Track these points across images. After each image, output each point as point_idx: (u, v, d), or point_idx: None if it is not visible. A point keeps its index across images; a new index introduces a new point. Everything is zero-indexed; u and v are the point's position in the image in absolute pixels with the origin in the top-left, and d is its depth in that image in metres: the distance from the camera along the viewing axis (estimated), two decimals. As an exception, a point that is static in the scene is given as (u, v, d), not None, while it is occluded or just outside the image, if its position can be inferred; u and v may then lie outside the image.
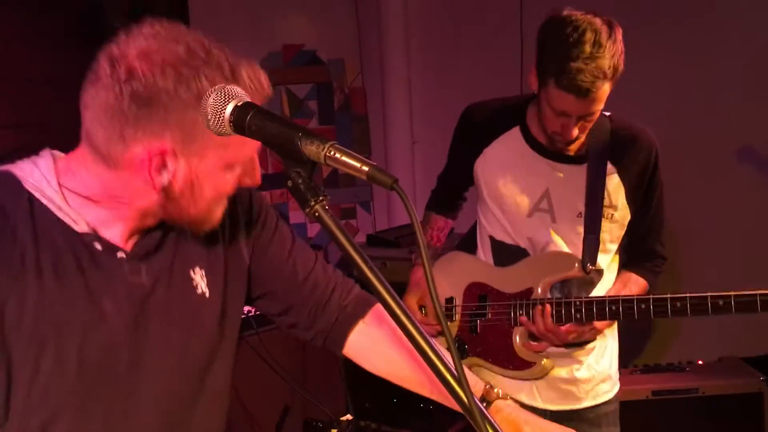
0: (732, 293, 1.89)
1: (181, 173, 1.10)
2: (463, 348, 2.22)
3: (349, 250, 0.92)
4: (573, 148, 2.04)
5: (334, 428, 2.91)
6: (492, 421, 0.92)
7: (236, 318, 1.34)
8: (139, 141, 1.06)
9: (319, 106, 4.50)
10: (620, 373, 2.93)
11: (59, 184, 1.13)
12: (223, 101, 0.96)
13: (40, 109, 2.95)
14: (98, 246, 1.14)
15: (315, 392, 3.05)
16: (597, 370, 2.17)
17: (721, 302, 1.89)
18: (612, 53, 1.79)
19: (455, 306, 2.23)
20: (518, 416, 1.27)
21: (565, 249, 2.10)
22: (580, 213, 2.07)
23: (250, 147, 1.15)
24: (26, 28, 3.11)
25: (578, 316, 2.02)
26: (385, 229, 4.20)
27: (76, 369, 1.12)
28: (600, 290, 2.14)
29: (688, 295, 1.92)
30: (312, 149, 0.91)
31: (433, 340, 0.95)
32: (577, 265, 2.05)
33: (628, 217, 2.10)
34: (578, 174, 2.06)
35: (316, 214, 0.92)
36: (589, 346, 2.15)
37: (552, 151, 2.06)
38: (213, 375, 1.30)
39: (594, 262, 2.09)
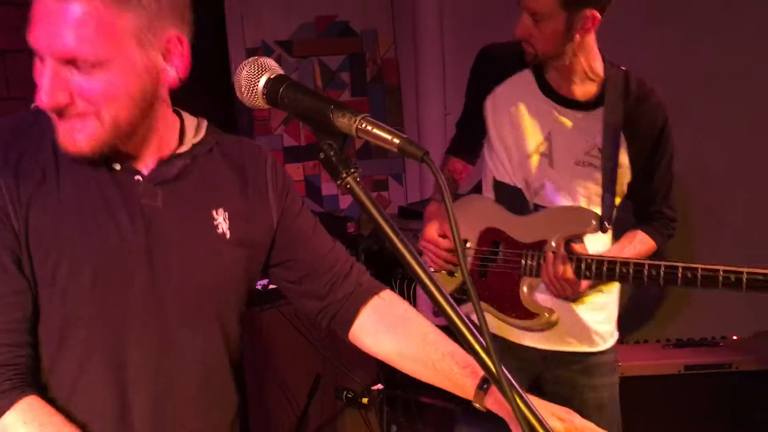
0: (744, 269, 1.81)
1: None
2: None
3: (379, 221, 0.93)
4: (580, 93, 2.05)
5: (365, 397, 2.95)
6: (519, 390, 0.93)
7: (255, 270, 1.37)
8: None
9: (351, 78, 4.49)
10: (652, 348, 2.95)
11: None
12: (257, 74, 0.98)
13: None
14: (117, 166, 1.20)
15: (346, 362, 3.09)
16: (593, 319, 2.16)
17: (732, 278, 1.82)
18: None
19: (467, 248, 2.24)
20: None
21: (561, 195, 2.09)
22: (578, 161, 2.07)
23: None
24: None
25: (588, 273, 2.00)
26: (417, 201, 4.19)
27: (90, 280, 1.16)
28: (599, 246, 2.12)
29: (699, 266, 1.85)
30: (344, 122, 0.92)
31: (462, 312, 0.95)
32: (594, 222, 2.05)
33: (628, 177, 2.08)
34: (583, 121, 2.06)
35: (348, 185, 0.94)
36: (588, 298, 2.14)
37: (561, 95, 2.07)
38: (227, 319, 1.32)
39: (610, 221, 2.09)
